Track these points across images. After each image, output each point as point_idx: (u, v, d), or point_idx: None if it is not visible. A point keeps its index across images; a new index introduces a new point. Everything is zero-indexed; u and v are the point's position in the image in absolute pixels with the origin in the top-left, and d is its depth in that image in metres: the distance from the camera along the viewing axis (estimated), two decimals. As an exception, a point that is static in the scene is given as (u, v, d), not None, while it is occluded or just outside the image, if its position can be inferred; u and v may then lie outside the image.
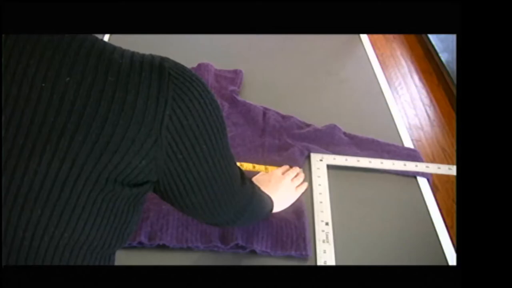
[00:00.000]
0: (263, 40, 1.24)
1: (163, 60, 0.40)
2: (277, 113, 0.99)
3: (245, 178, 0.57)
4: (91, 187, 0.37)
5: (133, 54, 0.40)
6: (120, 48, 0.40)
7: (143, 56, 0.40)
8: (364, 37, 1.31)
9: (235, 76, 1.08)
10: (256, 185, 0.63)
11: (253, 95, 1.05)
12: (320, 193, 0.83)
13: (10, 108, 0.35)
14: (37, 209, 0.35)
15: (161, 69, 0.39)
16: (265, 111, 0.99)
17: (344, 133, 0.97)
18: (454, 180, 1.50)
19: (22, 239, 0.36)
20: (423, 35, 2.58)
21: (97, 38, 0.39)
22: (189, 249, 0.71)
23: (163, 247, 0.71)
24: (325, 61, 1.20)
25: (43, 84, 0.35)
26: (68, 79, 0.36)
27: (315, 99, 1.07)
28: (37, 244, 0.36)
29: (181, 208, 0.49)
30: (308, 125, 0.98)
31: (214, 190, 0.48)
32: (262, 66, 1.15)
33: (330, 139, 0.95)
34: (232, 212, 0.55)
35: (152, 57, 0.40)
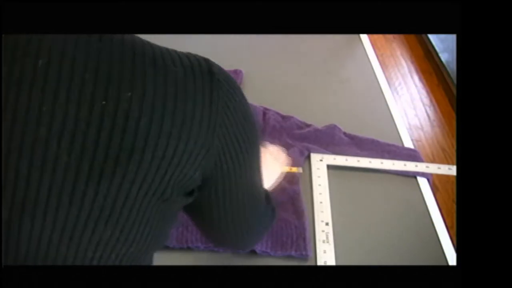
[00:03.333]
0: (263, 40, 1.24)
1: (209, 65, 0.38)
2: (277, 113, 0.99)
3: (270, 199, 0.55)
4: (155, 202, 0.37)
5: (178, 56, 0.37)
6: (158, 46, 0.37)
7: (188, 58, 0.37)
8: (364, 37, 1.31)
9: (235, 76, 1.08)
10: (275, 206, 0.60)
11: (253, 95, 1.05)
12: (320, 193, 0.83)
13: (70, 133, 0.32)
14: (108, 230, 0.35)
15: (211, 76, 0.37)
16: (265, 111, 0.99)
17: (344, 133, 0.97)
18: (454, 180, 1.50)
19: (91, 259, 0.36)
20: (423, 35, 2.58)
21: (138, 38, 0.36)
22: (189, 249, 0.71)
23: (163, 247, 0.71)
24: (325, 61, 1.20)
25: (104, 102, 0.32)
26: (129, 94, 0.33)
27: (315, 99, 1.07)
28: (104, 262, 0.37)
29: (203, 222, 0.48)
30: (308, 125, 0.97)
31: (244, 202, 0.46)
32: (262, 66, 1.15)
33: (330, 139, 0.94)
34: (253, 234, 0.54)
35: (197, 61, 0.38)
